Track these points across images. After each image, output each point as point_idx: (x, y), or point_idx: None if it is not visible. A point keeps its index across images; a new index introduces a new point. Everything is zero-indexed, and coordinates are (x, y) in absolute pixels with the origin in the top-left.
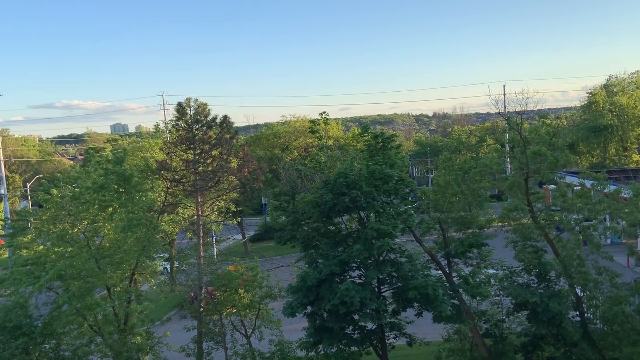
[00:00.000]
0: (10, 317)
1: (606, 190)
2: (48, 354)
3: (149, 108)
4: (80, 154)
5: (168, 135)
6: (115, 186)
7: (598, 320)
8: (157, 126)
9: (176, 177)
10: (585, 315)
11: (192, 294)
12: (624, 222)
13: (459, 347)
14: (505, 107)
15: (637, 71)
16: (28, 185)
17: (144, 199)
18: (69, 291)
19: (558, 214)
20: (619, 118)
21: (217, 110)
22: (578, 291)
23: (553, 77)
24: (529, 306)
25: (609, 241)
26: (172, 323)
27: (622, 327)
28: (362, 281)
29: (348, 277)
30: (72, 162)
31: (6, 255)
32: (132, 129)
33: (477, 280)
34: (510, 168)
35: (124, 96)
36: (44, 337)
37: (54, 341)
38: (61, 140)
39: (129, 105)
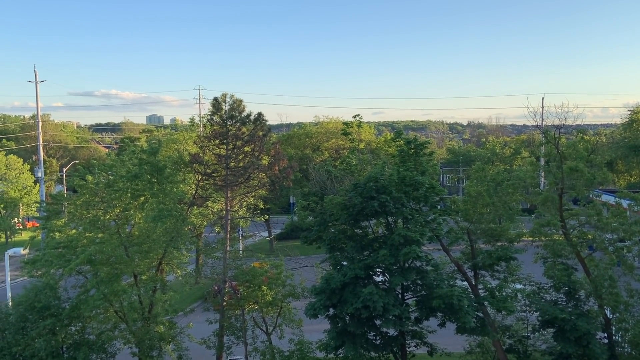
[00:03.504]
0: (40, 298)
1: None
2: (73, 336)
3: (185, 101)
4: (116, 143)
5: (202, 129)
6: (149, 176)
7: (627, 344)
8: (192, 119)
9: (208, 171)
10: (614, 337)
11: (216, 287)
12: None
13: None
14: (542, 120)
15: None
16: (64, 170)
17: (175, 190)
18: (97, 276)
19: (592, 232)
20: None
21: (251, 107)
22: (607, 313)
23: (593, 92)
24: (556, 324)
25: None
26: (195, 315)
27: None
28: (386, 287)
29: (372, 281)
30: (107, 150)
31: (39, 238)
32: (167, 121)
33: (504, 294)
34: (545, 182)
35: (161, 88)
36: (71, 319)
37: (80, 324)
38: (98, 128)
39: (165, 98)
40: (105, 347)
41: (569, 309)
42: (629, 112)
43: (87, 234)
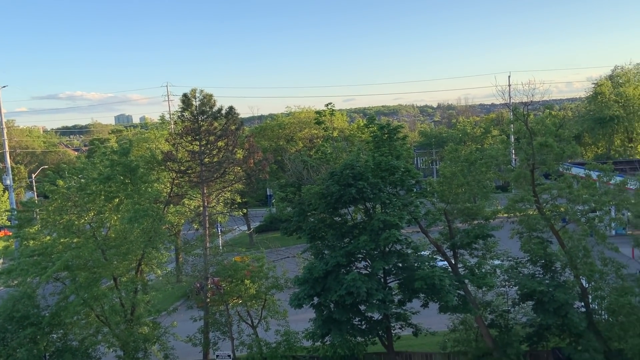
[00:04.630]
0: (18, 307)
1: (612, 182)
2: (55, 343)
3: (153, 99)
4: (85, 145)
5: (173, 126)
6: (122, 177)
7: (603, 311)
8: (162, 117)
9: (182, 168)
10: (591, 306)
11: (198, 285)
12: (629, 214)
13: (465, 337)
14: (510, 98)
15: None
16: (33, 176)
17: (149, 190)
18: (76, 282)
19: (564, 205)
20: (625, 109)
21: (221, 102)
22: (584, 282)
23: (557, 67)
24: (535, 296)
25: (613, 232)
26: (179, 313)
27: (628, 318)
28: (368, 272)
29: (354, 268)
30: (76, 153)
31: (13, 247)
32: (136, 120)
33: (483, 271)
34: (516, 159)
35: (127, 87)
36: (52, 327)
37: (61, 331)
38: (65, 131)
39: (132, 96)
40: (89, 353)
41: (547, 281)
42: (593, 85)
43: (61, 240)
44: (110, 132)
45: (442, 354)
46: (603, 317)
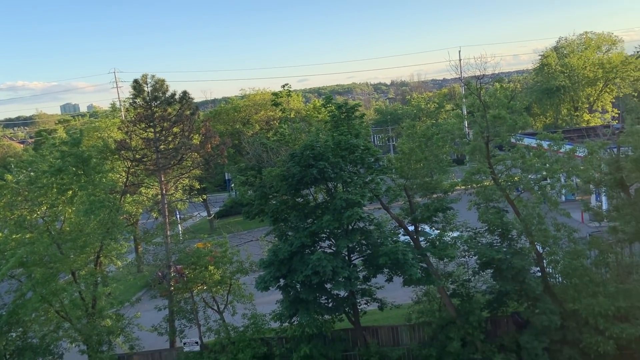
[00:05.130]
0: None
1: (562, 150)
2: (15, 342)
3: (100, 86)
4: (31, 137)
5: (125, 113)
6: (74, 169)
7: (558, 275)
8: (113, 105)
9: (137, 156)
10: (546, 270)
11: (160, 274)
12: (578, 180)
13: (428, 308)
14: (462, 72)
15: (585, 32)
16: None
17: (104, 180)
18: (32, 278)
19: (518, 175)
20: (570, 79)
21: (173, 87)
22: (538, 248)
23: (505, 41)
24: (493, 264)
25: (564, 199)
26: (142, 303)
27: (581, 279)
28: (332, 251)
29: (319, 247)
30: (23, 145)
31: None
32: (83, 109)
33: (444, 242)
34: (470, 133)
35: (72, 75)
36: (10, 325)
37: (20, 329)
38: (9, 124)
39: (77, 84)
40: (51, 349)
41: (504, 249)
42: (539, 57)
43: (14, 236)
44: (57, 122)
45: (407, 325)
46: (558, 280)
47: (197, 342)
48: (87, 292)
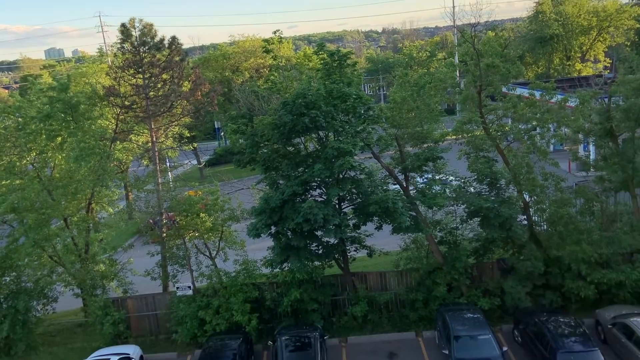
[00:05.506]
0: None
1: (553, 100)
2: (9, 286)
3: (85, 31)
4: (16, 82)
5: (112, 59)
6: (62, 115)
7: (544, 223)
8: (100, 50)
9: (126, 103)
10: (532, 218)
11: (152, 221)
12: (568, 130)
13: (416, 255)
14: (455, 20)
15: None
16: None
17: (93, 127)
18: (24, 224)
19: (509, 124)
20: (564, 27)
21: (160, 32)
22: (526, 197)
23: None
24: (481, 213)
25: (552, 148)
26: (135, 250)
27: (566, 227)
28: (323, 199)
29: (310, 196)
30: (7, 91)
31: None
32: (68, 54)
33: (433, 192)
34: (462, 82)
35: (56, 19)
36: (3, 270)
37: (14, 273)
38: None
39: (62, 28)
40: (45, 293)
41: (492, 198)
42: (534, 4)
43: (3, 182)
44: (42, 67)
45: (395, 271)
46: (543, 228)
47: (189, 287)
48: (80, 238)
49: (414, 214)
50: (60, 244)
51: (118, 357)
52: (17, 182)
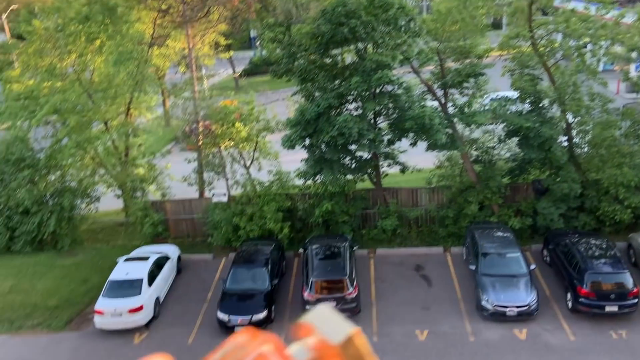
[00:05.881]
0: (12, 150)
1: (609, 15)
2: (55, 184)
3: None
4: None
5: None
6: (101, 17)
7: (585, 145)
8: None
9: (163, 6)
10: (574, 140)
11: (189, 128)
12: (621, 48)
13: (449, 172)
14: None
15: None
16: (3, 16)
17: (131, 31)
18: (67, 125)
19: (558, 40)
20: None
21: None
22: (569, 117)
23: None
24: (520, 132)
25: (601, 67)
26: (172, 156)
27: (609, 150)
28: (359, 113)
29: (345, 109)
30: None
31: None
32: None
33: (472, 109)
34: None
35: None
36: (49, 168)
37: (58, 172)
38: None
39: None
40: (88, 192)
41: (534, 118)
42: None
43: (45, 84)
44: None
45: (427, 188)
46: (584, 150)
47: (225, 194)
48: (120, 142)
49: (450, 131)
50: (102, 147)
51: (158, 256)
52: (59, 84)
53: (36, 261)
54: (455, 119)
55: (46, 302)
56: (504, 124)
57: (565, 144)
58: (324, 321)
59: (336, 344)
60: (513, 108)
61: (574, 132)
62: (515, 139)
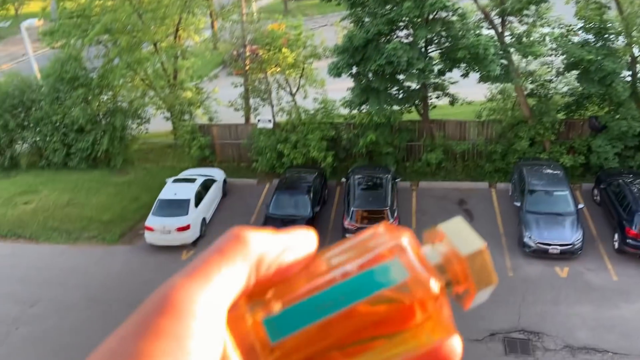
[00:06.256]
0: (67, 69)
1: None
2: (107, 104)
3: None
4: None
5: None
6: None
7: None
8: None
9: None
10: (638, 75)
11: (236, 52)
12: None
13: (501, 106)
14: None
15: None
16: None
17: None
18: (118, 45)
19: None
20: None
21: None
22: (635, 51)
23: None
24: (581, 65)
25: None
26: (220, 80)
27: None
28: (409, 41)
29: (395, 36)
30: None
31: (49, 9)
32: None
33: (531, 39)
34: None
35: None
36: (101, 88)
37: (110, 93)
38: None
39: None
40: (139, 113)
41: (596, 50)
42: None
43: (97, 2)
44: None
45: (476, 122)
46: None
47: (270, 120)
48: (169, 64)
49: (505, 62)
50: (151, 69)
51: (204, 178)
52: (110, 3)
53: (91, 178)
54: (512, 49)
55: (100, 217)
56: (564, 55)
57: (628, 79)
58: (457, 232)
59: (464, 255)
60: (575, 39)
61: (638, 67)
62: (574, 72)
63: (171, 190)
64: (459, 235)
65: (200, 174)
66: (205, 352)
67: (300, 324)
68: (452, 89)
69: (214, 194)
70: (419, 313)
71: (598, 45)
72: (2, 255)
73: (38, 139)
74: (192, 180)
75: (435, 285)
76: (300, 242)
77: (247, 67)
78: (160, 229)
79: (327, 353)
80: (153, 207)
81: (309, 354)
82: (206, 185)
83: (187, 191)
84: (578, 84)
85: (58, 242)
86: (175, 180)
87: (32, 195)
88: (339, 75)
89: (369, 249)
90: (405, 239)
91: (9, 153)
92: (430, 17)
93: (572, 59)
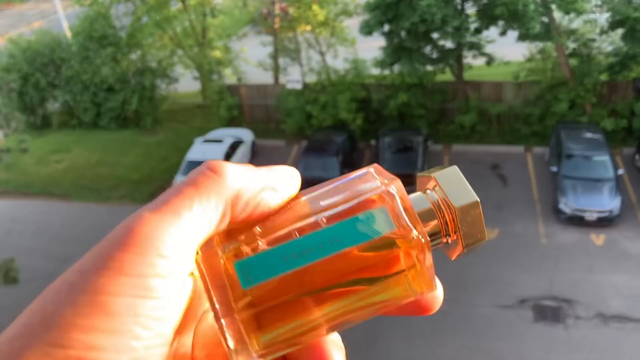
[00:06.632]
0: (96, 27)
1: None
2: (136, 63)
3: None
4: None
5: None
6: None
7: None
8: None
9: None
10: None
11: (266, 10)
12: None
13: (540, 66)
14: None
15: None
16: None
17: None
18: (146, 2)
19: None
20: None
21: None
22: None
23: None
24: (627, 24)
25: None
26: (248, 39)
27: None
28: None
29: None
30: None
31: None
32: None
33: None
34: None
35: None
36: (130, 47)
37: (139, 52)
38: None
39: None
40: (168, 73)
41: None
42: None
43: None
44: None
45: (514, 83)
46: None
47: (299, 81)
48: (197, 22)
49: (546, 19)
50: (180, 27)
51: (232, 139)
52: None
53: (120, 137)
54: (553, 6)
55: (130, 176)
56: (609, 13)
57: None
58: (451, 182)
59: (457, 207)
60: None
61: None
62: (619, 31)
63: (199, 151)
64: (453, 186)
65: (228, 134)
66: (169, 292)
67: (276, 270)
68: (488, 48)
69: (242, 155)
70: (402, 261)
71: None
72: (35, 212)
73: (69, 98)
74: (220, 141)
75: (421, 236)
76: (282, 180)
77: (276, 26)
78: None
79: (300, 297)
80: (180, 167)
81: (283, 300)
82: (234, 145)
83: (216, 152)
84: (623, 44)
85: (89, 201)
86: (204, 141)
87: (63, 154)
88: (369, 33)
89: (356, 194)
90: (395, 185)
91: (41, 112)
92: None
93: (618, 16)
